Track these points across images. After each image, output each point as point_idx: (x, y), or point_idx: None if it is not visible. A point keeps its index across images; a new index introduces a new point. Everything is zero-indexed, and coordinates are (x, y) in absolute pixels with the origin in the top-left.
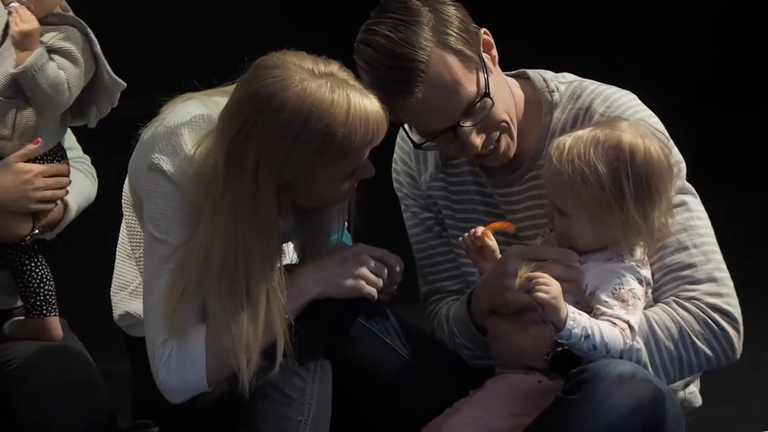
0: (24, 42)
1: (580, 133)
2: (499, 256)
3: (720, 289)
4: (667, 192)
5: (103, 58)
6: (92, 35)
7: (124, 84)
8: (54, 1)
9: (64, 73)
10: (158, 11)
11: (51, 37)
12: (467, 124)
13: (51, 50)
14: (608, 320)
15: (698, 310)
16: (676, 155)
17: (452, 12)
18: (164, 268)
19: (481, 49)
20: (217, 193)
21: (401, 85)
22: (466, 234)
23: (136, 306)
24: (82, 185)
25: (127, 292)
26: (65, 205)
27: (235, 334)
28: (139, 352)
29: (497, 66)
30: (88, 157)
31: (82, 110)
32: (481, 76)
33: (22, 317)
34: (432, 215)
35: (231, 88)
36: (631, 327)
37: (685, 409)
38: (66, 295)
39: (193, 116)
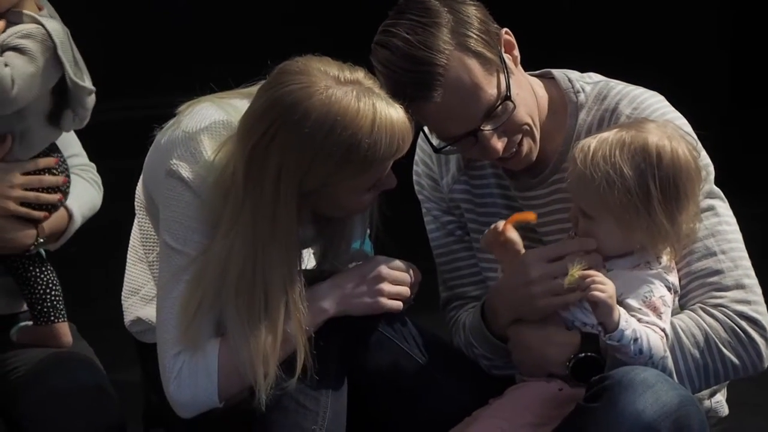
0: None
1: (605, 134)
2: (523, 249)
3: (748, 297)
4: (695, 195)
5: (67, 60)
6: (60, 38)
7: (91, 88)
8: None
9: (11, 71)
10: (163, 11)
11: (9, 35)
12: (488, 128)
13: (6, 47)
14: (648, 327)
15: (725, 318)
16: (705, 158)
17: (472, 12)
18: (180, 278)
19: (503, 49)
20: (237, 202)
21: (420, 90)
22: (487, 231)
23: (147, 311)
24: (86, 194)
25: (139, 297)
26: (70, 215)
27: (253, 347)
28: (150, 359)
29: (519, 66)
30: (94, 165)
31: (58, 114)
32: (502, 78)
33: (30, 322)
34: (454, 219)
35: (248, 90)
36: (666, 335)
37: (711, 419)
38: (75, 300)
39: (212, 121)
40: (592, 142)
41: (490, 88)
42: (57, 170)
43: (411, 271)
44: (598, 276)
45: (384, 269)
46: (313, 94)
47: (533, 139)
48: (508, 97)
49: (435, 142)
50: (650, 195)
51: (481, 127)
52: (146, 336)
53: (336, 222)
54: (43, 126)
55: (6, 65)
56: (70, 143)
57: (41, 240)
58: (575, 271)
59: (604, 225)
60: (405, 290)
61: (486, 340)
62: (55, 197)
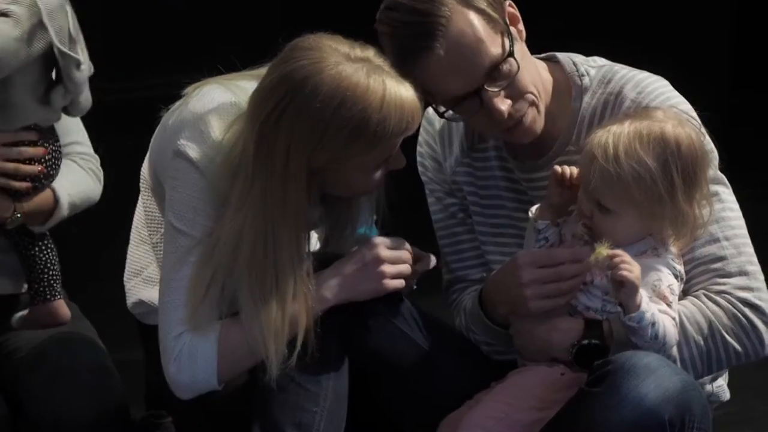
0: None
1: (617, 128)
2: (570, 207)
3: (751, 283)
4: (707, 178)
5: (53, 29)
6: (48, 5)
7: (79, 59)
8: None
9: None
10: None
11: None
12: (493, 88)
13: None
14: (663, 314)
15: (728, 305)
16: (709, 143)
17: None
18: (185, 260)
19: (507, 18)
20: (246, 180)
21: (422, 40)
22: (564, 168)
23: (150, 293)
24: (81, 183)
25: (141, 279)
26: (56, 199)
27: (265, 323)
28: (152, 340)
29: (524, 43)
30: (97, 157)
31: (48, 92)
32: (506, 39)
33: (27, 311)
34: (456, 201)
35: (257, 72)
36: (676, 323)
37: (713, 403)
38: (78, 281)
39: (220, 102)
40: (607, 137)
41: (494, 45)
42: (39, 143)
43: (410, 248)
44: (626, 256)
45: (383, 251)
46: (324, 69)
47: (538, 110)
48: (511, 54)
49: (440, 109)
50: (674, 183)
51: (486, 86)
52: (148, 318)
53: (342, 204)
54: (29, 100)
55: None
56: (71, 130)
57: (18, 215)
58: (602, 249)
59: (625, 217)
60: (406, 268)
61: (485, 327)
62: (35, 168)
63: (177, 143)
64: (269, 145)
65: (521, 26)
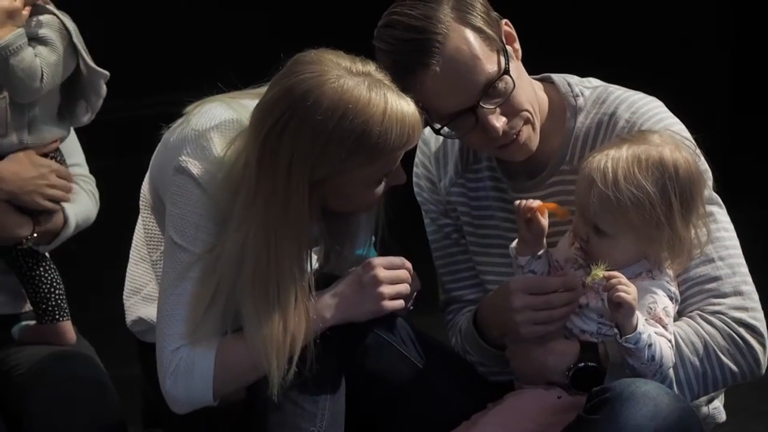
0: (5, 20)
1: (615, 153)
2: (545, 237)
3: (746, 303)
4: (703, 200)
5: (81, 47)
6: (72, 26)
7: (106, 73)
8: None
9: (39, 60)
10: (165, 13)
11: (29, 24)
12: (489, 105)
13: (29, 37)
14: (659, 336)
15: (723, 325)
16: (703, 163)
17: None
18: (185, 276)
19: (503, 37)
20: (249, 193)
21: (418, 57)
22: (521, 202)
23: (149, 311)
24: (83, 204)
25: (140, 297)
26: (65, 219)
27: (267, 336)
28: (151, 358)
29: (520, 62)
30: (93, 179)
31: (71, 106)
32: (502, 58)
33: (32, 322)
34: (450, 222)
35: (258, 90)
36: (672, 345)
37: (708, 425)
38: (75, 299)
39: (222, 119)
40: (606, 161)
41: (490, 63)
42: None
43: (408, 265)
44: (622, 277)
45: (381, 271)
46: (326, 83)
47: (533, 128)
48: (507, 71)
49: (436, 125)
50: (672, 208)
51: (481, 104)
52: (147, 335)
53: (342, 221)
54: (52, 118)
55: (36, 56)
56: (72, 152)
57: (35, 235)
58: (599, 271)
59: (622, 241)
60: (405, 288)
61: (480, 347)
62: (66, 197)
63: (179, 160)
64: (271, 158)
65: (517, 45)
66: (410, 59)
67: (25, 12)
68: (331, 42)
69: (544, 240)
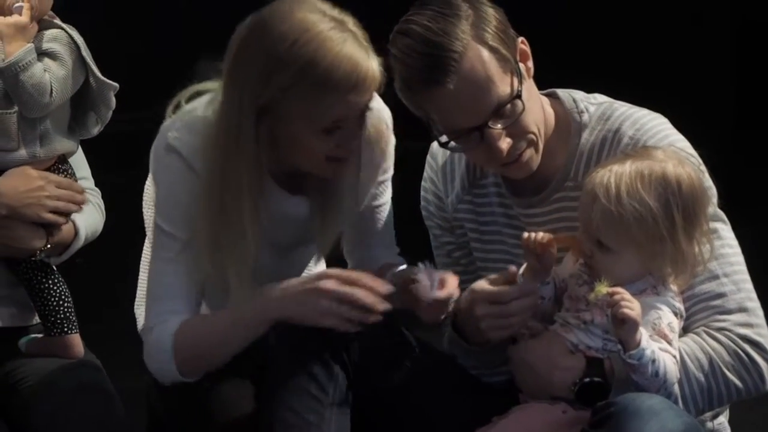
0: (15, 36)
1: (618, 168)
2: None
3: (751, 320)
4: (707, 216)
5: (90, 60)
6: (79, 39)
7: (116, 85)
8: (49, 3)
9: (49, 75)
10: (166, 22)
11: (38, 39)
12: (497, 126)
13: (38, 52)
14: (664, 352)
15: (728, 341)
16: (708, 180)
17: (492, 13)
18: (162, 257)
19: (518, 56)
20: (216, 133)
21: (433, 73)
22: (530, 235)
23: None
24: (92, 217)
25: None
26: (76, 230)
27: (227, 247)
28: None
29: (531, 80)
30: (99, 191)
31: (80, 119)
32: (515, 79)
33: (40, 335)
34: (453, 239)
35: None
36: (677, 361)
37: None
38: (82, 311)
39: (210, 98)
40: (609, 176)
41: (503, 84)
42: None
43: (368, 283)
44: (626, 293)
45: (327, 284)
46: (292, 12)
47: (536, 149)
48: (518, 96)
49: (441, 138)
50: (675, 223)
51: (489, 124)
52: None
53: (326, 195)
54: (63, 131)
55: (45, 71)
56: (79, 165)
57: (48, 246)
58: (602, 287)
59: (625, 256)
60: (346, 310)
61: (465, 350)
62: (76, 208)
63: (167, 136)
64: (231, 84)
65: (530, 63)
66: (424, 74)
67: (33, 27)
68: None
69: (552, 264)
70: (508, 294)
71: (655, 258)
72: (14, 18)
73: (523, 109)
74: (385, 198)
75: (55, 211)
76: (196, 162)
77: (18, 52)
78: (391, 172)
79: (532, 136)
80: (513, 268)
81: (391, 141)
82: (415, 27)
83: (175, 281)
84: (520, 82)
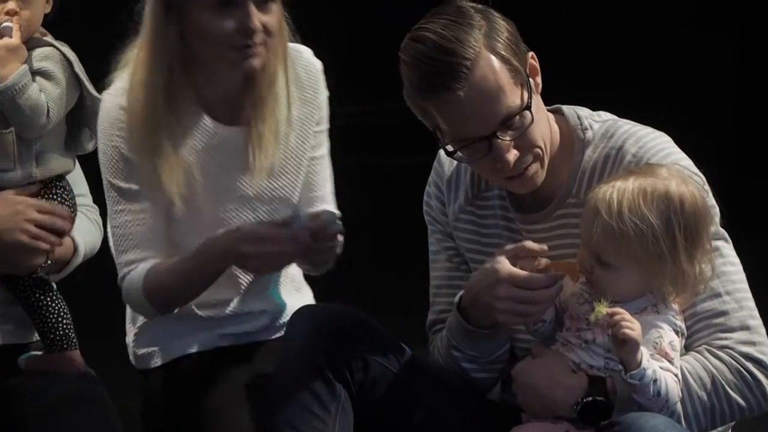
0: (9, 58)
1: (621, 184)
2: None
3: (753, 338)
4: (709, 236)
5: (83, 77)
6: (72, 55)
7: None
8: (38, 21)
9: (45, 96)
10: None
11: (29, 58)
12: (505, 137)
13: (32, 71)
14: (665, 371)
15: (731, 359)
16: (711, 199)
17: (504, 25)
18: (120, 208)
19: (528, 69)
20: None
21: (444, 79)
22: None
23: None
24: (90, 234)
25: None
26: (75, 247)
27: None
28: (150, 383)
29: (539, 96)
30: (97, 208)
31: (75, 135)
32: (525, 91)
33: (39, 352)
34: (454, 245)
35: None
36: (679, 380)
37: None
38: (80, 329)
39: None
40: (611, 192)
41: (513, 95)
42: (64, 199)
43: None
44: (626, 314)
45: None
46: None
47: (542, 164)
48: (528, 107)
49: (448, 147)
50: (676, 241)
51: (498, 135)
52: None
53: (261, 124)
54: (60, 149)
55: (41, 91)
56: (77, 182)
57: (49, 262)
58: (602, 308)
59: (625, 273)
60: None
61: (464, 333)
62: (56, 240)
63: (104, 94)
64: None
65: (539, 79)
66: (435, 80)
67: (24, 48)
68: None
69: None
70: (538, 281)
71: (655, 276)
72: (5, 41)
73: (532, 121)
74: (323, 151)
75: (36, 237)
76: (123, 100)
77: (13, 75)
78: (325, 125)
79: (539, 150)
80: (545, 260)
81: (323, 92)
82: (427, 34)
83: (134, 230)
84: (530, 95)
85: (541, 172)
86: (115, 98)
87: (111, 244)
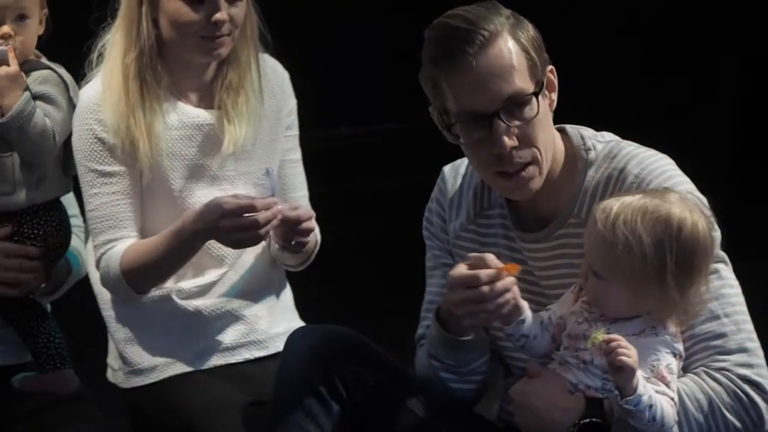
0: (10, 87)
1: (628, 199)
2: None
3: (751, 360)
4: (707, 269)
5: (76, 98)
6: (68, 77)
7: None
8: (33, 44)
9: (50, 121)
10: None
11: (29, 82)
12: (506, 121)
13: (32, 96)
14: (661, 395)
15: (728, 382)
16: (716, 229)
17: (531, 27)
18: (94, 192)
19: (545, 77)
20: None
21: (460, 44)
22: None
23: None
24: (82, 254)
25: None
26: (69, 270)
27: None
28: (136, 405)
29: (551, 113)
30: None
31: (68, 155)
32: (536, 86)
33: (33, 373)
34: (451, 262)
35: None
36: (675, 403)
37: None
38: (77, 347)
39: None
40: (615, 204)
41: (524, 80)
42: (58, 223)
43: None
44: (622, 340)
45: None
46: None
47: (540, 170)
48: (536, 94)
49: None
50: (665, 266)
51: (500, 113)
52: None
53: (231, 108)
54: (58, 171)
55: (45, 116)
56: (69, 203)
57: (43, 285)
58: (599, 334)
59: (614, 286)
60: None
61: (443, 342)
62: (27, 277)
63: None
64: None
65: (554, 96)
66: (452, 43)
67: (23, 75)
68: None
69: (520, 303)
70: (482, 276)
71: (642, 297)
72: (4, 69)
73: (537, 114)
74: (297, 155)
75: (3, 282)
76: (99, 85)
77: (17, 104)
78: (295, 131)
79: (537, 153)
80: (493, 259)
81: (292, 97)
82: (456, 12)
83: (110, 211)
84: (541, 89)
85: (538, 179)
86: (92, 87)
87: (89, 228)
